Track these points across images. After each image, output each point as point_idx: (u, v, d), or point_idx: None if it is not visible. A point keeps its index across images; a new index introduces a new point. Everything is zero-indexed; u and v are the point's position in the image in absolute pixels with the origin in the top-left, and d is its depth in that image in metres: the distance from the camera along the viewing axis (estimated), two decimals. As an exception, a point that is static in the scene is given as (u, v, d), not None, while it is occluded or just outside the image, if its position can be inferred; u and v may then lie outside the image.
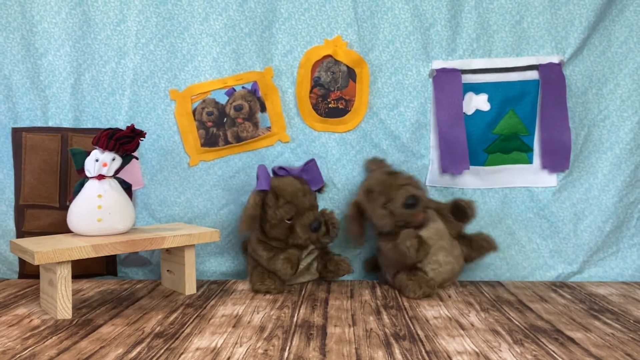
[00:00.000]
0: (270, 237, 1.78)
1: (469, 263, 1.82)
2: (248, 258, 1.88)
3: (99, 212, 1.58)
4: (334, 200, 1.95)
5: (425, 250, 1.66)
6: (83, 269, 1.89)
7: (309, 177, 1.81)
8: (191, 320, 1.45)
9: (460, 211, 1.75)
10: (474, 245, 1.77)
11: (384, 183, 1.73)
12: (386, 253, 1.73)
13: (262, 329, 1.37)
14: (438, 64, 1.91)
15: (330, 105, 1.93)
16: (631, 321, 1.43)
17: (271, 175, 1.82)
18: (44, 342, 1.28)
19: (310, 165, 1.82)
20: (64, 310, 1.47)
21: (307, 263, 1.83)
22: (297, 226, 1.72)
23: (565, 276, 1.90)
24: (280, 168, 1.82)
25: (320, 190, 1.88)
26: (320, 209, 1.91)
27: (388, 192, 1.71)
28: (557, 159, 1.89)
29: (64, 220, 1.78)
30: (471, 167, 1.90)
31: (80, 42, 1.89)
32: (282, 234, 1.75)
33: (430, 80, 1.92)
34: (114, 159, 1.63)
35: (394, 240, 1.67)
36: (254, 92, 1.92)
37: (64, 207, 1.87)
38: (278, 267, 1.69)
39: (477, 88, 1.91)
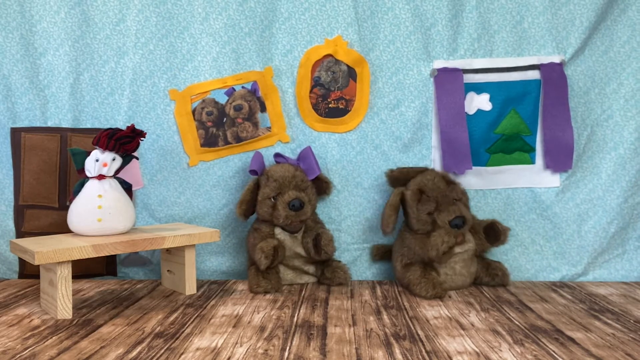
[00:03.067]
0: (261, 220, 1.82)
1: (477, 285, 1.82)
2: (247, 254, 1.89)
3: (99, 212, 1.57)
4: (334, 201, 1.94)
5: (449, 255, 1.69)
6: (82, 269, 1.89)
7: (305, 165, 1.83)
8: (191, 320, 1.44)
9: (494, 232, 1.75)
10: (490, 270, 1.79)
11: (440, 191, 1.72)
12: (410, 241, 1.74)
13: (262, 329, 1.37)
14: (439, 64, 1.90)
15: (330, 105, 1.93)
16: (631, 321, 1.43)
17: (273, 163, 1.87)
18: (44, 342, 1.28)
19: (306, 152, 1.85)
20: (64, 310, 1.47)
21: (299, 265, 1.83)
22: (279, 204, 1.75)
23: (570, 278, 1.89)
24: (279, 155, 1.87)
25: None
26: (320, 209, 1.91)
27: (440, 202, 1.71)
28: (560, 158, 1.88)
29: (63, 220, 1.78)
30: (473, 167, 1.90)
31: (80, 41, 1.89)
32: (267, 213, 1.78)
33: (432, 80, 1.91)
34: (114, 159, 1.63)
35: (424, 235, 1.70)
36: (253, 92, 1.91)
37: (64, 207, 1.87)
38: (256, 257, 1.71)
39: (479, 88, 1.91)
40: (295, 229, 1.80)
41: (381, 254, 1.91)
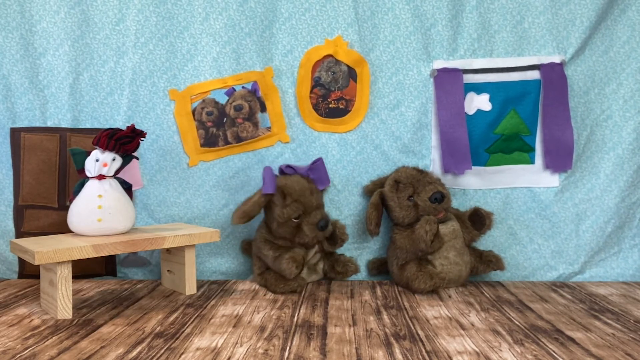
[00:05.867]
0: (277, 236, 1.77)
1: (474, 275, 1.85)
2: (254, 259, 1.87)
3: (99, 212, 1.57)
4: (334, 201, 1.94)
5: (439, 242, 1.72)
6: (82, 270, 1.89)
7: (315, 176, 1.81)
8: (191, 320, 1.44)
9: (478, 219, 1.79)
10: (483, 259, 1.82)
11: (413, 177, 1.78)
12: (400, 241, 1.76)
13: (262, 329, 1.37)
14: (439, 64, 1.91)
15: (330, 106, 1.93)
16: (631, 321, 1.43)
17: (277, 173, 1.82)
18: (45, 342, 1.28)
19: (318, 165, 1.82)
20: (65, 310, 1.47)
21: (313, 263, 1.83)
22: (304, 225, 1.72)
23: (567, 276, 1.90)
24: (288, 166, 1.81)
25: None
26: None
27: (416, 186, 1.77)
28: (560, 158, 1.89)
29: (62, 220, 1.78)
30: (473, 167, 1.90)
31: (79, 41, 1.89)
32: (289, 233, 1.74)
33: (432, 80, 1.91)
34: (114, 159, 1.63)
35: (410, 230, 1.74)
36: (254, 92, 1.91)
37: (63, 208, 1.87)
38: (283, 266, 1.69)
39: (479, 88, 1.91)
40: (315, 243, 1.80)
41: (377, 267, 1.92)
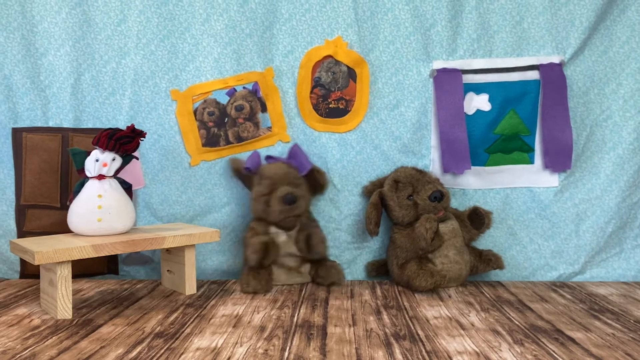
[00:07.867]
0: (256, 219, 1.83)
1: (473, 275, 1.86)
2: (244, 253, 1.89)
3: (99, 212, 1.58)
4: (334, 201, 1.95)
5: (439, 241, 1.73)
6: (84, 269, 1.89)
7: (296, 162, 1.84)
8: (191, 320, 1.45)
9: (477, 218, 1.79)
10: (483, 257, 1.83)
11: (413, 177, 1.80)
12: (400, 240, 1.78)
13: (262, 329, 1.37)
14: (439, 64, 1.91)
15: (330, 106, 1.93)
16: (631, 321, 1.43)
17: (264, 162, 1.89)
18: (44, 342, 1.28)
19: (294, 150, 1.87)
20: (64, 310, 1.48)
21: (294, 266, 1.82)
22: (272, 199, 1.75)
23: (567, 277, 1.90)
24: (270, 157, 1.89)
25: (320, 189, 1.87)
26: (321, 208, 1.91)
27: (415, 185, 1.78)
28: (559, 158, 1.89)
29: (64, 220, 1.78)
30: (472, 167, 1.90)
31: (81, 42, 1.89)
32: (261, 210, 1.79)
33: (431, 80, 1.91)
34: (114, 159, 1.63)
35: (410, 229, 1.75)
36: (254, 92, 1.92)
37: (65, 207, 1.87)
38: (246, 253, 1.75)
39: (478, 88, 1.91)
40: (289, 224, 1.80)
41: (377, 269, 1.92)
